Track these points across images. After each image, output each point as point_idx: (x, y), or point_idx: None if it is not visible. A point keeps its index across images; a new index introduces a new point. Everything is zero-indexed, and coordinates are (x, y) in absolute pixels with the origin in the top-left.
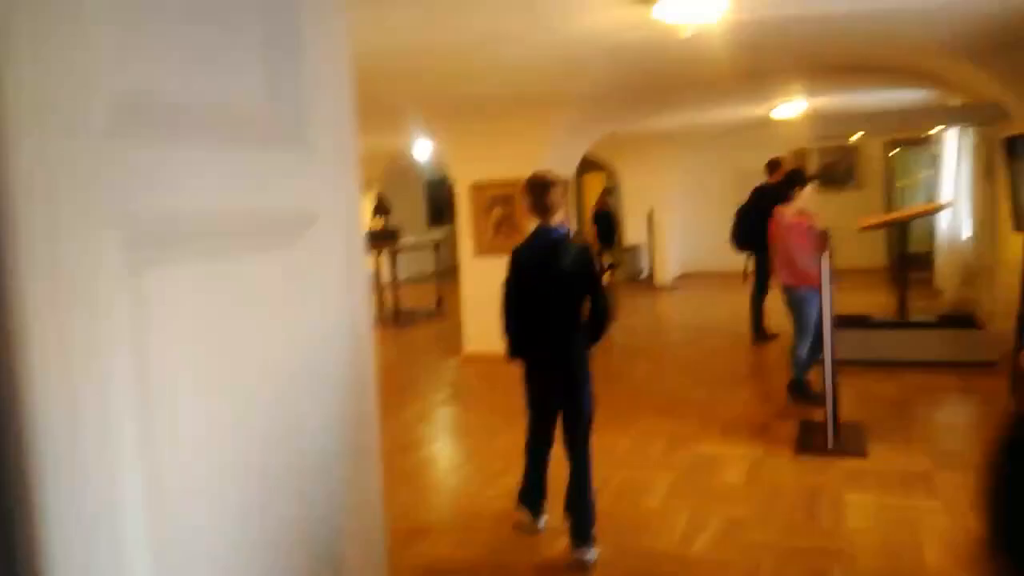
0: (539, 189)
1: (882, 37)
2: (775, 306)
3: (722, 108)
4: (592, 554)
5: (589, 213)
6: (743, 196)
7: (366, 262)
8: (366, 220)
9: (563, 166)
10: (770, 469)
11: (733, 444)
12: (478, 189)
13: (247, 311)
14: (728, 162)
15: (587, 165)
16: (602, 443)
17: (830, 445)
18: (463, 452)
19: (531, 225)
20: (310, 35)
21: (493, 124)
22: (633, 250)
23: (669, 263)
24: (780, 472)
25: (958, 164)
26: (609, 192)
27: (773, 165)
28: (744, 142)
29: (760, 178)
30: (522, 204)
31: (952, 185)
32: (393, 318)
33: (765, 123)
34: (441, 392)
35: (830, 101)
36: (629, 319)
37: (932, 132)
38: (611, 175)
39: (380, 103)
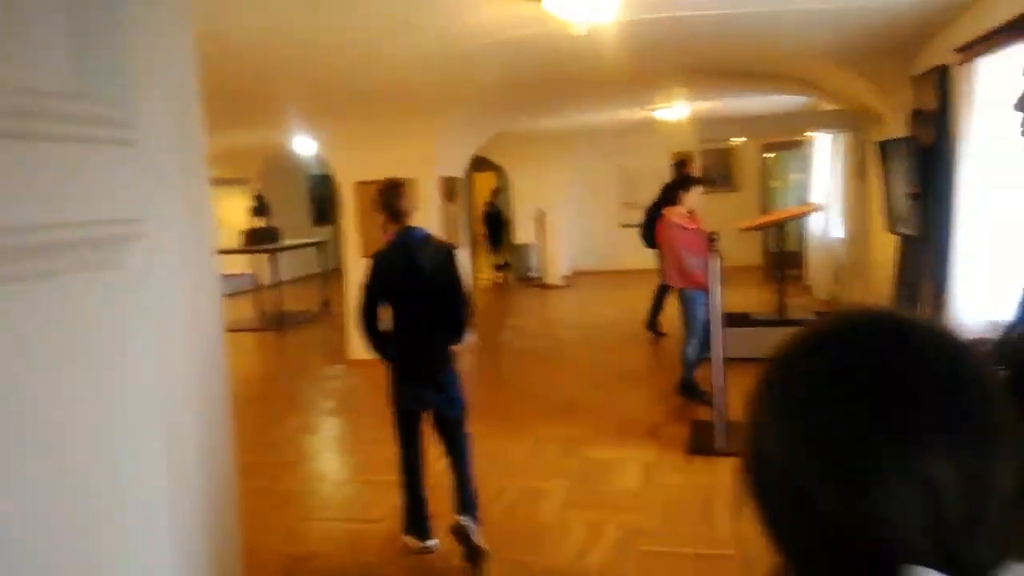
0: (388, 194)
1: (764, 41)
2: (669, 306)
3: (610, 110)
4: (475, 528)
5: (479, 212)
6: (631, 196)
7: (222, 267)
8: (240, 220)
9: (453, 165)
10: (664, 472)
11: (627, 447)
12: (363, 188)
13: (50, 341)
14: (615, 162)
15: (477, 164)
16: (495, 450)
17: (720, 445)
18: (350, 466)
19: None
20: (134, 17)
21: (378, 121)
22: (523, 249)
23: (559, 262)
24: (674, 475)
25: (831, 166)
26: (498, 192)
27: (680, 164)
28: (630, 144)
29: (655, 178)
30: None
31: (823, 186)
32: (275, 322)
33: (651, 125)
34: (326, 400)
35: (712, 105)
36: (520, 319)
37: (807, 135)
38: (501, 175)
39: (254, 96)
